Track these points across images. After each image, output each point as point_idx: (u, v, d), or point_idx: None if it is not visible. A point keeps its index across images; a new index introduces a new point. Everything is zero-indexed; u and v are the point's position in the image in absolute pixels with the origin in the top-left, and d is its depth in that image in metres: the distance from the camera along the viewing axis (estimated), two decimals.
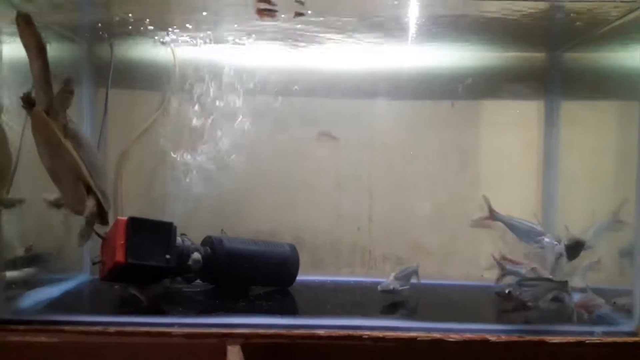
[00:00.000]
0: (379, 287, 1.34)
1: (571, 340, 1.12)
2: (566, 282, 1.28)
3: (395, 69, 1.64)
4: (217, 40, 1.53)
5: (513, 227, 1.49)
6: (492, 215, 1.52)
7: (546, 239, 1.39)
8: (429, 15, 1.40)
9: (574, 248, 1.34)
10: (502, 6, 1.29)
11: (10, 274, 1.28)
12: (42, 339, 1.10)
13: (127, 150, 1.64)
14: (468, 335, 1.12)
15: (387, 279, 1.36)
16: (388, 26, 1.46)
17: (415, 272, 1.42)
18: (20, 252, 1.34)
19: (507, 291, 1.28)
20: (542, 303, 1.27)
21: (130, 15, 1.41)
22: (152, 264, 1.26)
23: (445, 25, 1.44)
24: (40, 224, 1.46)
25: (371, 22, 1.44)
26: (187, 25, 1.46)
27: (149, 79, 1.62)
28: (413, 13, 1.38)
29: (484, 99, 1.68)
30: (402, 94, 1.64)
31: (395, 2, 1.32)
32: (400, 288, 1.34)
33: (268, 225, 1.63)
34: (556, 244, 1.37)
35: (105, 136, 1.61)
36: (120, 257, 1.21)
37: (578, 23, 1.38)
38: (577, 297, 1.30)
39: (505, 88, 1.65)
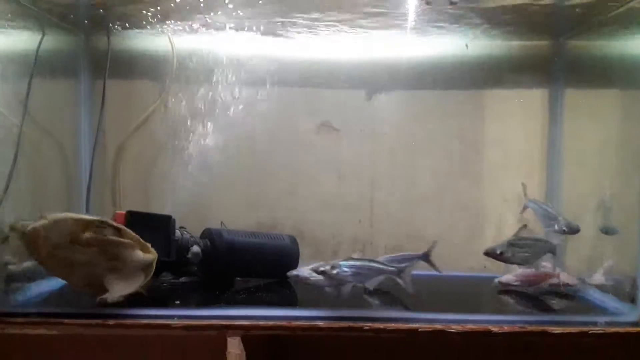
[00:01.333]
0: (287, 273, 1.32)
1: (574, 331, 1.11)
2: (403, 268, 1.30)
3: (396, 59, 1.62)
4: (216, 28, 1.52)
5: (537, 210, 1.48)
6: (528, 202, 1.51)
7: (556, 226, 1.40)
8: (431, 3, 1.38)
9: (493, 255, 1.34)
10: None
11: (11, 267, 1.27)
12: (42, 331, 1.10)
13: (124, 142, 1.64)
14: (470, 326, 1.11)
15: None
16: (389, 14, 1.44)
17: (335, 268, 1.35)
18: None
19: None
20: (369, 284, 1.28)
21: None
22: None
23: (447, 13, 1.42)
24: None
25: (372, 10, 1.42)
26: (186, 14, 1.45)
27: (147, 70, 1.61)
28: (413, 1, 1.37)
29: (487, 88, 1.66)
30: (404, 83, 1.62)
31: None
32: (312, 278, 1.30)
33: (269, 217, 1.62)
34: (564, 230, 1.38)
35: (102, 128, 1.60)
36: None
37: (577, 10, 1.36)
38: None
39: (509, 77, 1.63)
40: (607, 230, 1.39)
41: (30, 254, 1.13)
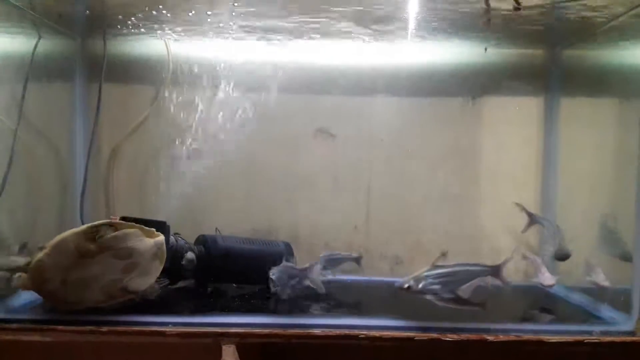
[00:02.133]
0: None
1: (569, 340, 1.11)
2: (306, 268, 1.36)
3: (393, 66, 1.62)
4: (212, 34, 1.52)
5: (541, 226, 1.48)
6: (532, 219, 1.49)
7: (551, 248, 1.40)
8: (429, 11, 1.38)
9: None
10: None
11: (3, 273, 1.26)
12: (35, 337, 1.09)
13: (119, 146, 1.63)
14: (465, 335, 1.11)
15: None
16: (386, 22, 1.44)
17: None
18: (14, 250, 1.33)
19: None
20: (291, 291, 1.33)
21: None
22: None
23: (446, 21, 1.42)
24: (34, 222, 1.45)
25: (369, 17, 1.42)
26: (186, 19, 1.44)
27: (142, 74, 1.60)
28: (413, 8, 1.37)
29: (484, 96, 1.66)
30: (400, 90, 1.63)
31: None
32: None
33: (264, 223, 1.62)
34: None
35: (97, 132, 1.59)
36: None
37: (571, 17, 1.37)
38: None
39: (505, 85, 1.64)
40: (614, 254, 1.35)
41: (39, 291, 1.11)
